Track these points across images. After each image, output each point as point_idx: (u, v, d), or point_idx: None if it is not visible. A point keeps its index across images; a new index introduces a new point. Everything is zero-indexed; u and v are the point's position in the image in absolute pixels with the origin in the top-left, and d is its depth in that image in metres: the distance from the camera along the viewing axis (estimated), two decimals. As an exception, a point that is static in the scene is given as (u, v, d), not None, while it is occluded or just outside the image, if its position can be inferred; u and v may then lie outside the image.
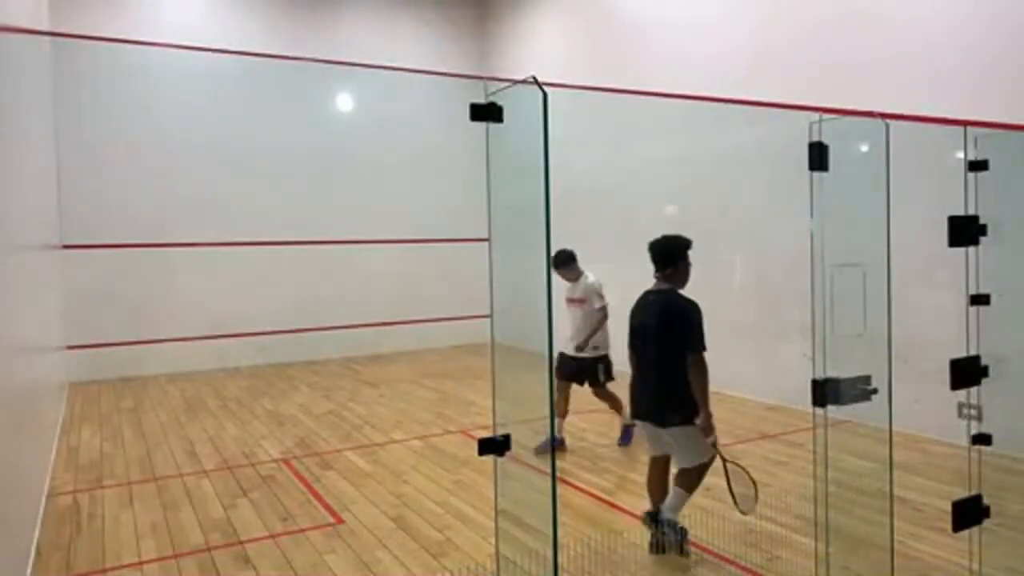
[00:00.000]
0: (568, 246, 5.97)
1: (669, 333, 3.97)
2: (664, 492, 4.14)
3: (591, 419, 6.97)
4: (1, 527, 3.18)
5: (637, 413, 4.23)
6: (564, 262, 5.97)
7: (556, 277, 5.72)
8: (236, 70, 10.77)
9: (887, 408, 2.96)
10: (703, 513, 4.56)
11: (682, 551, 3.98)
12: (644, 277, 4.17)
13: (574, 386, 6.18)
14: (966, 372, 2.90)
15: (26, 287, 4.83)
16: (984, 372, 2.93)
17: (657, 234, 4.15)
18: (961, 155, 3.31)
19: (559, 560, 2.59)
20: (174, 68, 10.55)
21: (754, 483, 3.89)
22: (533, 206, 2.44)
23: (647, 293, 4.18)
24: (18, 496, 3.92)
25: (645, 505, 4.29)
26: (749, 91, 7.02)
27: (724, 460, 3.95)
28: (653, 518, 4.07)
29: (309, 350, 11.11)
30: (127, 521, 4.74)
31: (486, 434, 2.61)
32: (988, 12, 5.87)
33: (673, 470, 4.15)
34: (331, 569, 3.95)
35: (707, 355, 3.89)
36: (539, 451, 3.80)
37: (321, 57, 10.77)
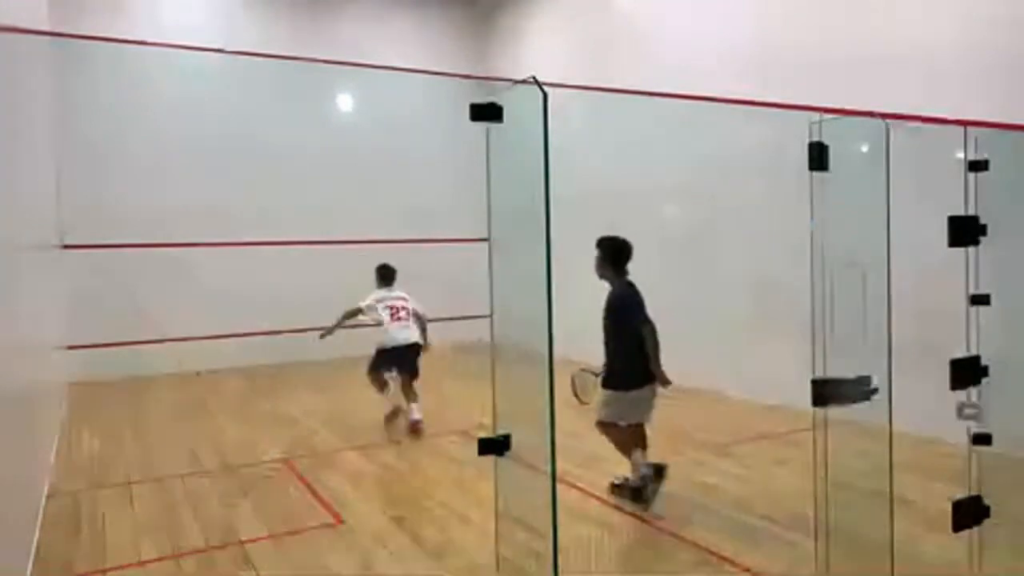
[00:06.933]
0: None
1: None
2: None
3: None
4: (1, 527, 3.17)
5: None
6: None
7: (555, 277, 5.72)
8: (236, 70, 10.77)
9: (887, 408, 2.96)
10: (703, 512, 4.57)
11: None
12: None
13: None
14: (966, 372, 2.90)
15: (26, 287, 4.82)
16: (984, 372, 2.93)
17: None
18: (961, 155, 3.30)
19: (559, 560, 2.58)
20: (174, 68, 10.54)
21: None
22: (533, 206, 2.44)
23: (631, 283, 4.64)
24: (18, 496, 3.92)
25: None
26: (749, 91, 7.01)
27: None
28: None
29: (308, 350, 11.08)
30: (127, 521, 4.73)
31: (486, 434, 2.61)
32: (988, 12, 5.87)
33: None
34: (331, 569, 3.94)
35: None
36: None
37: (321, 57, 10.76)
